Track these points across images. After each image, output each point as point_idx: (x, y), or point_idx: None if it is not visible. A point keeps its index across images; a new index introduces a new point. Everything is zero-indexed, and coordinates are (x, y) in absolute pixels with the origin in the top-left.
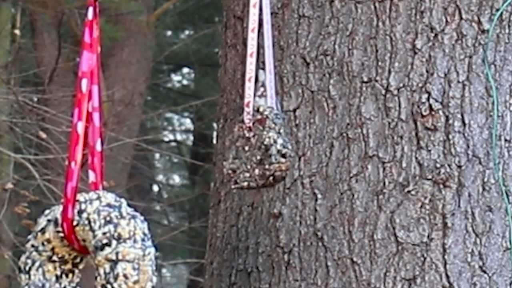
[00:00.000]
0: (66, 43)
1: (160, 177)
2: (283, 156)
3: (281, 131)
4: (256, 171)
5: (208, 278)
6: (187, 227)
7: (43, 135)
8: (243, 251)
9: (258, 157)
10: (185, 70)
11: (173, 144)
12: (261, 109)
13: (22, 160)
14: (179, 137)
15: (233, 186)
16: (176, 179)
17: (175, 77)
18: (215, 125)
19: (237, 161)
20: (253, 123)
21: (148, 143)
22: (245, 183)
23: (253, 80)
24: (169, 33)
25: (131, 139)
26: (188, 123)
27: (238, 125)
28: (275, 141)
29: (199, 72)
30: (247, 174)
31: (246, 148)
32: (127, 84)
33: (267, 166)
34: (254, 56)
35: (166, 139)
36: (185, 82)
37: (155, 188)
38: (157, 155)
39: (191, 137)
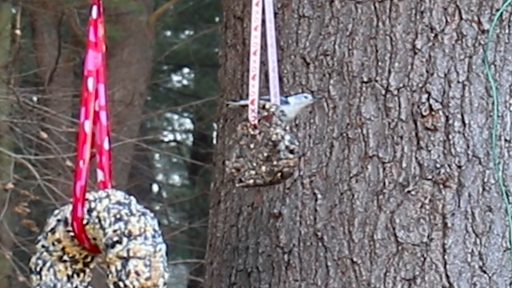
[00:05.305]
0: (66, 43)
1: (160, 177)
2: (291, 152)
3: (287, 127)
4: (263, 168)
5: (208, 278)
6: (187, 227)
7: (44, 135)
8: (243, 251)
9: (265, 154)
10: (185, 70)
11: (173, 144)
12: (266, 106)
13: (22, 160)
14: (179, 137)
15: (237, 185)
16: (176, 179)
17: (175, 77)
18: (215, 125)
19: (241, 159)
20: (259, 121)
21: (148, 143)
22: (251, 181)
23: (257, 78)
24: (169, 33)
25: (131, 139)
26: (188, 123)
27: (242, 124)
28: (282, 137)
29: (199, 72)
30: (253, 172)
31: (251, 145)
32: (127, 84)
33: (275, 163)
34: (257, 54)
35: (166, 139)
36: (185, 82)
37: (155, 188)
38: (157, 155)
39: (191, 137)
